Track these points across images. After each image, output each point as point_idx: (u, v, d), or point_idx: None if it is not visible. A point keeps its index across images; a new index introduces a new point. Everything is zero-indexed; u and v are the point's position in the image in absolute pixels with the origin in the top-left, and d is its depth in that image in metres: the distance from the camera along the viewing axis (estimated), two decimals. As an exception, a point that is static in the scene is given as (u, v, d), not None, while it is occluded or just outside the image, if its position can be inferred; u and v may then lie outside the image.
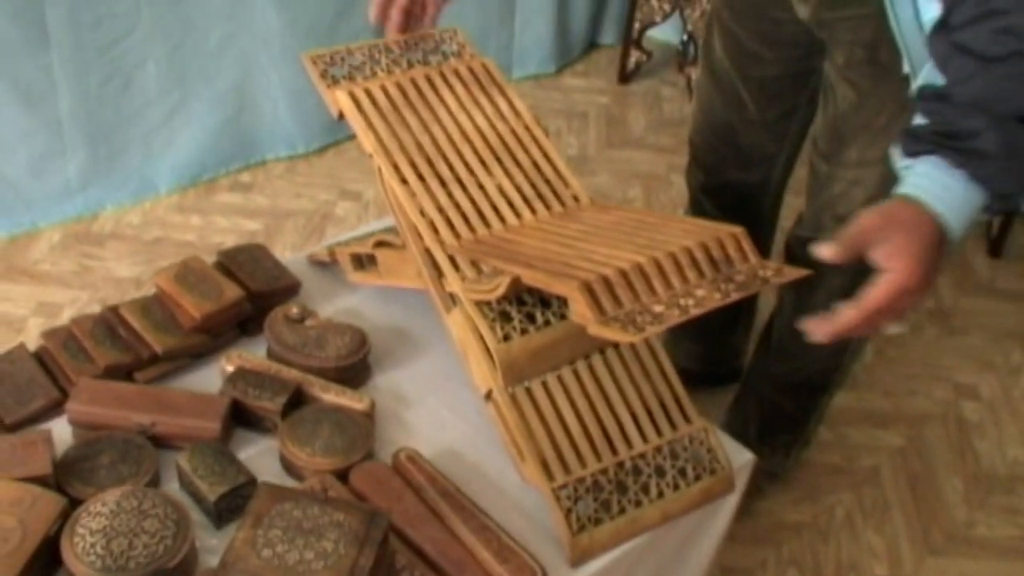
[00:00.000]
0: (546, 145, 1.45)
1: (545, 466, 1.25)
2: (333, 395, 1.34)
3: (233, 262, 1.52)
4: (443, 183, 1.37)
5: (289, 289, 1.53)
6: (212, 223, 2.74)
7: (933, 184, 1.16)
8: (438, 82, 1.47)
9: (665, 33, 3.71)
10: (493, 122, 1.45)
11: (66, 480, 1.20)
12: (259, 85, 2.91)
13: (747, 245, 1.23)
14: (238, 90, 2.88)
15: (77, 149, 2.65)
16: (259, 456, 1.30)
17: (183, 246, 2.63)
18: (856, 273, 1.82)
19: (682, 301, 1.14)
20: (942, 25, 1.17)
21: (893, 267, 1.12)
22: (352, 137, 1.43)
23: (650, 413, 1.34)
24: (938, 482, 2.29)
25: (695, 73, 3.39)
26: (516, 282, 1.21)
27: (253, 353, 1.41)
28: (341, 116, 1.43)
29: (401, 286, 1.48)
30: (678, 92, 3.56)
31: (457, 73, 1.49)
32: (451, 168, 1.39)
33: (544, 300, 1.28)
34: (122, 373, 1.36)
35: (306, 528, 1.06)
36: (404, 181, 1.35)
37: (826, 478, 2.26)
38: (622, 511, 1.27)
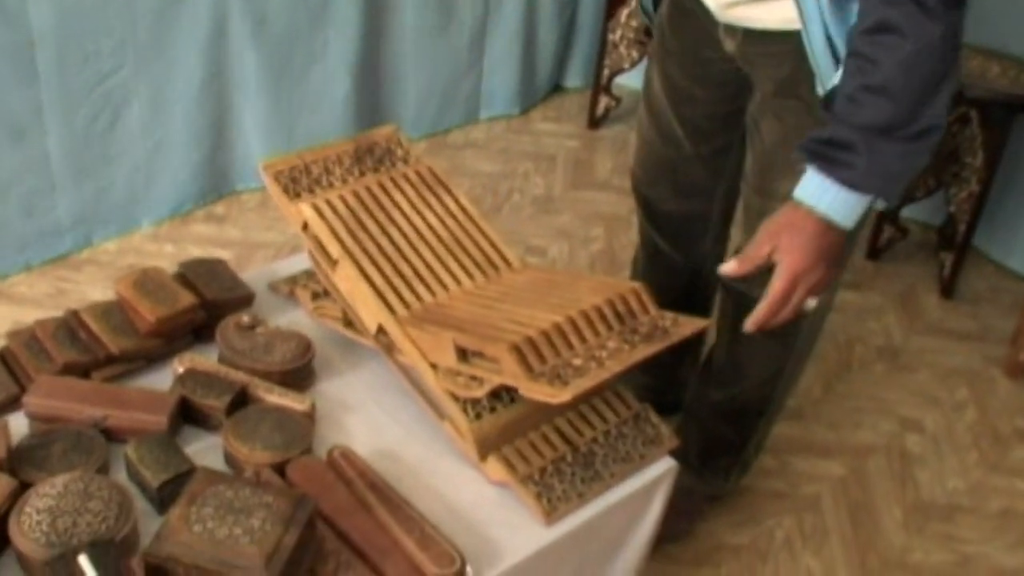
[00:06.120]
0: (488, 231, 1.58)
1: (507, 463, 1.37)
2: (276, 396, 1.43)
3: (192, 272, 1.60)
4: (406, 281, 1.47)
5: (243, 300, 1.60)
6: (185, 252, 2.82)
7: (814, 187, 1.37)
8: (389, 187, 1.57)
9: (633, 80, 3.79)
10: (443, 219, 1.56)
11: (19, 466, 1.26)
12: (234, 123, 3.02)
13: (646, 298, 1.41)
14: (215, 128, 2.97)
15: (66, 187, 2.70)
16: (204, 451, 1.37)
17: (156, 273, 2.71)
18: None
19: (596, 353, 1.31)
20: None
21: (782, 259, 1.36)
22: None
23: (593, 408, 1.48)
24: (878, 510, 2.36)
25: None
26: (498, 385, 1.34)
27: (205, 357, 1.49)
28: (305, 227, 1.49)
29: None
30: (646, 137, 3.64)
31: (406, 177, 1.59)
32: (412, 267, 1.49)
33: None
34: (80, 372, 1.43)
35: (236, 507, 1.15)
36: (368, 280, 1.45)
37: (768, 503, 2.33)
38: (584, 483, 1.41)
